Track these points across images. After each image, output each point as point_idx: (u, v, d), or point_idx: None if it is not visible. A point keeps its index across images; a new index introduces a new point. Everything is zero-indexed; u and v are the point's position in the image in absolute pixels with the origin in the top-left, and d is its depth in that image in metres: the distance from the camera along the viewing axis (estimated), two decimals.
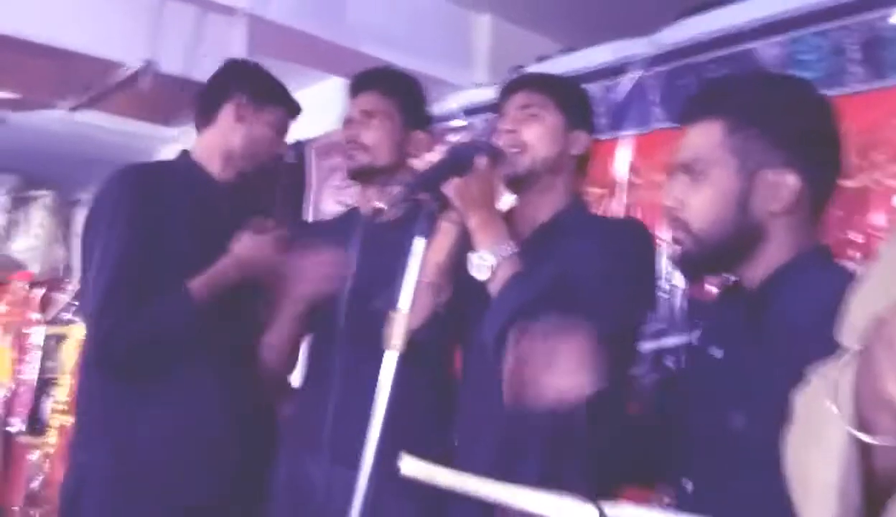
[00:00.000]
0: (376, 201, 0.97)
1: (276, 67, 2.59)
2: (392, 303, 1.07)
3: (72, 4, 1.88)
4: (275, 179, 2.41)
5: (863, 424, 0.51)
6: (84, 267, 1.55)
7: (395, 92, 1.58)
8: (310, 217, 3.15)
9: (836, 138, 1.05)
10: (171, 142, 4.09)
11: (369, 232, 1.21)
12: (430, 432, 1.31)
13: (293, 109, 1.73)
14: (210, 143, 1.65)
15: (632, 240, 1.31)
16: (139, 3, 1.89)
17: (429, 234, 1.00)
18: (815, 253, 1.03)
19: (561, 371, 0.98)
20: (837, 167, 1.06)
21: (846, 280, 1.01)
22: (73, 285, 3.67)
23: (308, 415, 1.49)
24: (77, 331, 3.24)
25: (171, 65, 1.88)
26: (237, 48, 1.98)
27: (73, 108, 2.12)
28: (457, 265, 1.22)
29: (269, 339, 1.54)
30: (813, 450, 0.57)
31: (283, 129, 1.71)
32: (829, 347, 0.70)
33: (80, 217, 4.11)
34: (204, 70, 1.95)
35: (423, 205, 1.00)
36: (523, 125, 1.33)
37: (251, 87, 1.66)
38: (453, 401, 1.34)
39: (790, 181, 0.99)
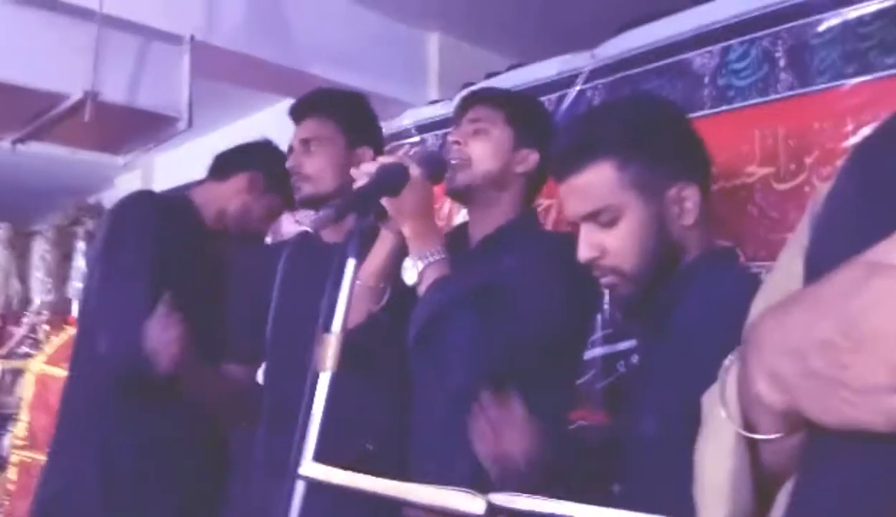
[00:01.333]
0: (305, 225, 0.99)
1: (226, 92, 2.62)
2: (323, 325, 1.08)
3: (9, 37, 1.86)
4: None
5: (747, 423, 0.53)
6: (99, 277, 1.63)
7: (332, 114, 1.59)
8: (269, 239, 3.14)
9: (699, 140, 1.10)
10: (129, 170, 4.07)
11: (301, 255, 1.22)
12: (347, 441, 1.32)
13: (290, 202, 1.82)
14: (213, 196, 1.79)
15: (570, 253, 1.28)
16: (80, 33, 1.88)
17: (359, 255, 1.01)
18: (715, 254, 1.07)
19: (504, 440, 1.04)
20: (709, 167, 1.11)
21: (745, 281, 1.05)
22: (30, 319, 3.60)
23: (250, 440, 1.49)
24: (34, 366, 3.18)
25: (114, 94, 1.88)
26: (182, 75, 1.98)
27: (17, 141, 2.09)
28: (396, 272, 1.24)
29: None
30: (709, 449, 0.60)
31: (276, 215, 1.89)
32: (725, 348, 0.72)
33: (36, 248, 4.05)
34: (147, 98, 1.95)
35: (354, 225, 1.01)
36: (470, 139, 1.35)
37: (272, 169, 1.78)
38: (395, 408, 1.35)
39: (690, 192, 1.03)
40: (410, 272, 1.20)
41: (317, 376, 0.92)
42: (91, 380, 1.66)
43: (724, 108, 1.74)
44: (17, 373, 3.29)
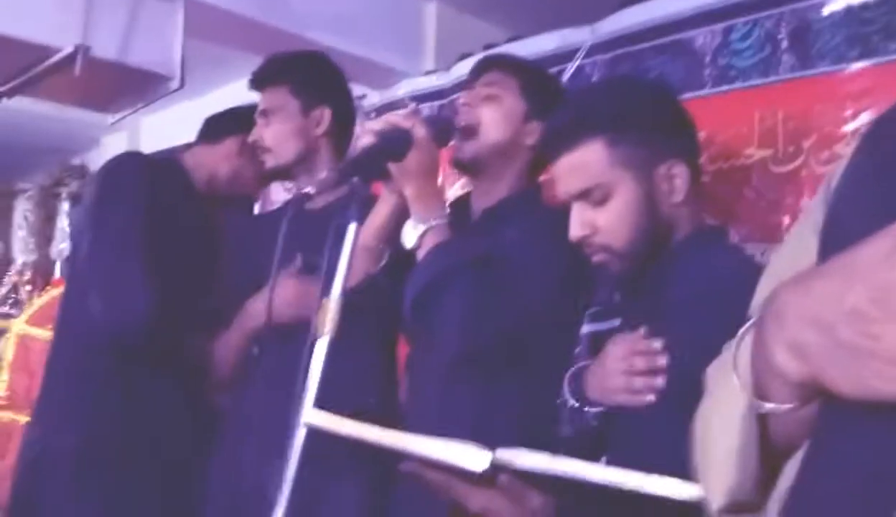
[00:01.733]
0: (307, 187, 0.97)
1: (215, 53, 2.57)
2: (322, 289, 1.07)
3: None
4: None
5: (759, 393, 0.53)
6: (91, 239, 1.61)
7: (285, 80, 1.56)
8: (258, 208, 3.11)
9: (688, 118, 1.11)
10: (115, 131, 4.00)
11: (298, 220, 1.20)
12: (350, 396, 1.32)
13: None
14: (204, 159, 1.77)
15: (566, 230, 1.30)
16: None
17: (361, 219, 1.00)
18: (706, 232, 1.08)
19: None
20: (699, 146, 1.11)
21: (736, 259, 1.07)
22: (12, 278, 3.55)
23: (239, 406, 1.48)
24: (16, 326, 3.14)
25: (105, 50, 1.83)
26: (174, 33, 1.94)
27: (3, 95, 2.04)
28: (397, 234, 1.23)
29: (219, 350, 1.58)
30: (715, 419, 0.60)
31: (267, 180, 1.84)
32: (719, 325, 0.73)
33: (19, 208, 3.98)
34: (139, 55, 1.91)
35: (355, 189, 1.00)
36: (482, 103, 1.33)
37: None
38: (392, 374, 1.34)
39: (680, 170, 1.04)
40: (410, 235, 1.19)
41: (315, 340, 0.92)
42: (80, 343, 1.65)
43: (724, 87, 1.74)
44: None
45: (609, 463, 1.05)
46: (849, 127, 1.52)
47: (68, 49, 1.74)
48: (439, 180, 1.26)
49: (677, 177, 1.04)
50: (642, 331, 1.01)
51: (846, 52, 1.52)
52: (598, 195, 1.03)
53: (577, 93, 1.64)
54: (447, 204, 1.46)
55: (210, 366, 1.67)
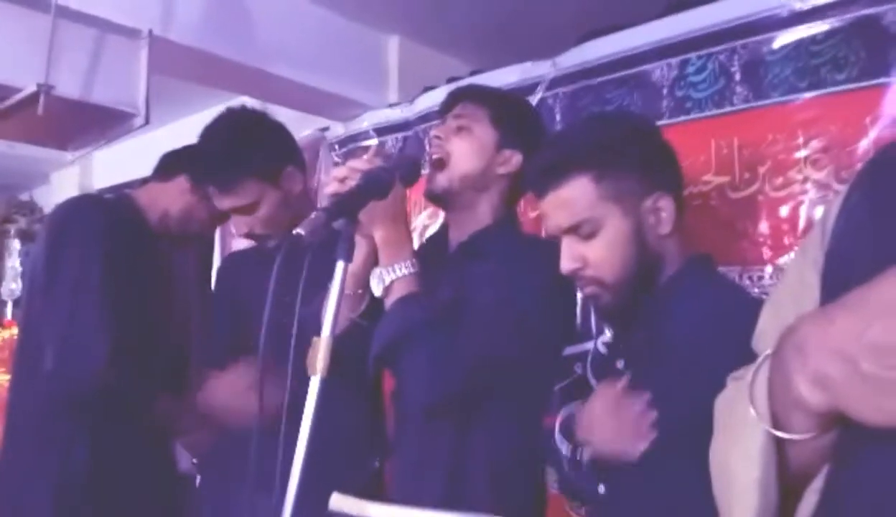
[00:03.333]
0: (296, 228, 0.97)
1: (182, 88, 2.55)
2: (312, 328, 1.06)
3: None
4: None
5: (778, 423, 0.56)
6: (43, 290, 1.58)
7: (243, 169, 1.55)
8: (217, 243, 3.08)
9: (673, 153, 1.14)
10: (66, 165, 3.91)
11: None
12: (357, 451, 1.31)
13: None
14: (156, 197, 1.76)
15: (540, 262, 1.26)
16: (34, 24, 1.81)
17: (348, 257, 1.00)
18: (696, 263, 1.10)
19: None
20: (682, 178, 1.16)
21: (724, 290, 1.10)
22: None
23: (231, 445, 1.46)
24: None
25: (68, 88, 1.81)
26: (139, 70, 1.93)
27: None
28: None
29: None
30: (734, 450, 0.62)
31: (220, 219, 1.83)
32: (721, 355, 0.76)
33: None
34: (103, 92, 1.89)
35: (342, 229, 1.00)
36: (453, 135, 1.33)
37: None
38: (380, 415, 1.33)
39: (665, 202, 1.07)
40: (377, 284, 1.18)
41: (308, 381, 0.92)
42: (38, 396, 1.61)
43: (681, 118, 1.81)
44: None
45: (609, 494, 1.06)
46: (800, 154, 1.61)
47: (31, 88, 1.72)
48: (407, 223, 1.23)
49: (663, 210, 1.07)
50: (623, 382, 1.04)
51: (796, 84, 1.61)
52: (586, 229, 1.06)
53: (563, 130, 1.67)
54: (427, 238, 1.47)
55: (173, 426, 1.69)
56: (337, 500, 0.73)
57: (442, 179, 1.31)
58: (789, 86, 1.63)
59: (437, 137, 1.34)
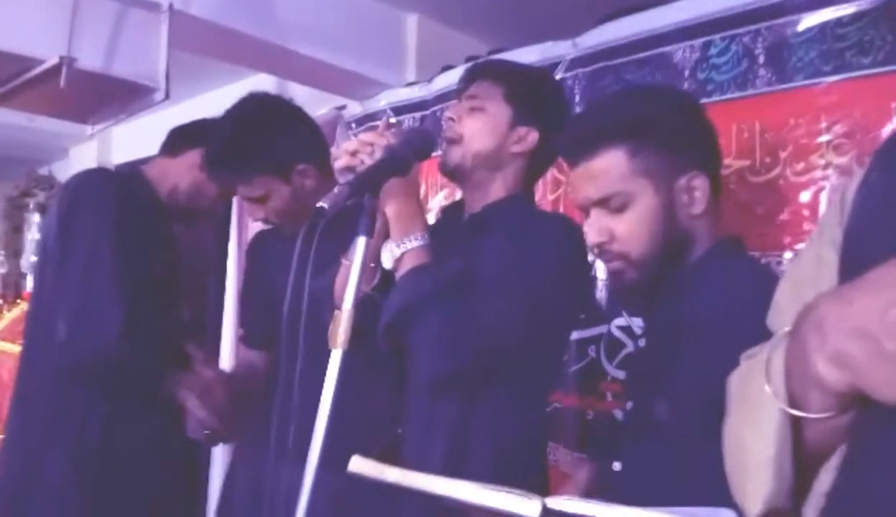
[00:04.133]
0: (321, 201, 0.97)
1: (201, 64, 2.56)
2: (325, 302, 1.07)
3: None
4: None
5: (794, 401, 0.56)
6: (56, 262, 1.60)
7: (254, 164, 1.56)
8: (234, 218, 3.09)
9: (712, 130, 1.12)
10: (85, 140, 3.93)
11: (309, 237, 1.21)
12: (376, 421, 1.32)
13: None
14: (166, 172, 1.78)
15: (552, 238, 1.27)
16: None
17: (370, 232, 1.01)
18: (727, 244, 1.09)
19: None
20: (720, 157, 1.14)
21: (755, 271, 1.09)
22: None
23: (265, 418, 1.47)
24: None
25: (90, 61, 1.82)
26: (159, 44, 1.93)
27: None
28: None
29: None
30: (748, 428, 0.62)
31: (228, 194, 1.84)
32: (743, 336, 0.76)
33: None
34: (124, 66, 1.90)
35: (364, 204, 1.01)
36: (466, 116, 1.31)
37: None
38: (398, 387, 1.34)
39: (700, 182, 1.05)
40: (388, 257, 1.18)
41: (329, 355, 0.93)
42: (51, 365, 1.63)
43: (703, 100, 1.79)
44: None
45: (624, 472, 1.07)
46: (823, 138, 1.59)
47: (53, 60, 1.73)
48: (419, 198, 1.23)
49: (697, 189, 1.05)
50: None
51: (821, 67, 1.59)
52: (616, 203, 1.04)
53: (602, 100, 1.61)
54: (442, 208, 1.47)
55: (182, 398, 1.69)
56: (357, 463, 0.74)
57: (455, 154, 1.31)
58: (813, 69, 1.60)
59: (451, 119, 1.33)
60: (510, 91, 1.31)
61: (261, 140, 1.55)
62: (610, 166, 1.05)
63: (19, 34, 1.76)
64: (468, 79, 1.37)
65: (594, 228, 1.06)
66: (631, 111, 1.09)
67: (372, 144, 1.12)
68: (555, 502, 0.59)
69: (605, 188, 1.05)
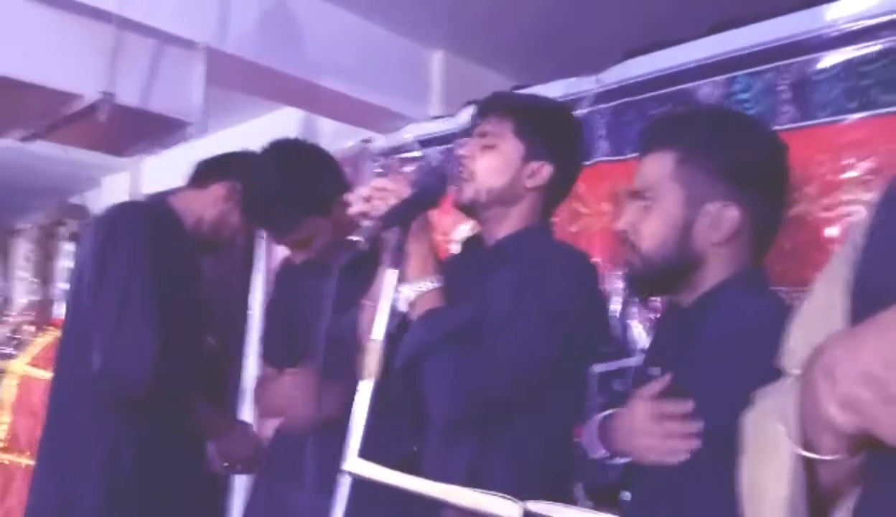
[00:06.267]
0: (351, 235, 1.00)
1: (227, 97, 2.63)
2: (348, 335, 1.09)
3: (25, 36, 1.86)
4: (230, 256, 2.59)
5: (808, 443, 0.57)
6: (91, 292, 1.63)
7: (299, 211, 1.62)
8: (263, 246, 3.15)
9: (781, 173, 1.13)
10: (117, 171, 4.03)
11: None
12: (395, 444, 1.33)
13: None
14: (191, 203, 1.81)
15: (566, 271, 1.26)
16: (96, 34, 1.89)
17: (399, 265, 1.03)
18: (745, 277, 1.09)
19: None
20: (781, 201, 1.14)
21: (774, 305, 1.09)
22: (13, 319, 3.55)
23: (288, 445, 1.49)
24: (17, 366, 3.13)
25: (129, 96, 1.88)
26: (195, 80, 2.00)
27: (24, 139, 2.08)
28: None
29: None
30: (763, 468, 0.62)
31: (251, 227, 1.88)
32: (755, 369, 0.76)
33: (19, 248, 3.99)
34: (161, 101, 1.97)
35: (392, 238, 1.03)
36: (478, 154, 1.31)
37: None
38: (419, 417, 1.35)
39: (731, 214, 1.06)
40: (403, 299, 1.18)
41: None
42: (84, 394, 1.65)
43: None
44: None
45: (634, 501, 1.07)
46: (849, 175, 1.59)
47: (94, 96, 1.79)
48: (432, 238, 1.23)
49: (725, 220, 1.06)
50: (665, 379, 1.03)
51: (845, 104, 1.60)
52: (648, 197, 1.09)
53: (689, 108, 1.66)
54: (463, 240, 1.48)
55: (209, 431, 1.76)
56: (352, 464, 0.76)
57: (469, 190, 1.31)
58: (838, 106, 1.62)
59: (463, 157, 1.34)
60: (521, 126, 1.31)
61: (301, 187, 1.60)
62: (656, 165, 1.10)
63: (59, 70, 1.83)
64: (479, 114, 1.38)
65: (623, 217, 1.12)
66: (699, 126, 1.14)
67: (385, 189, 1.14)
68: (536, 506, 0.61)
69: (642, 182, 1.11)
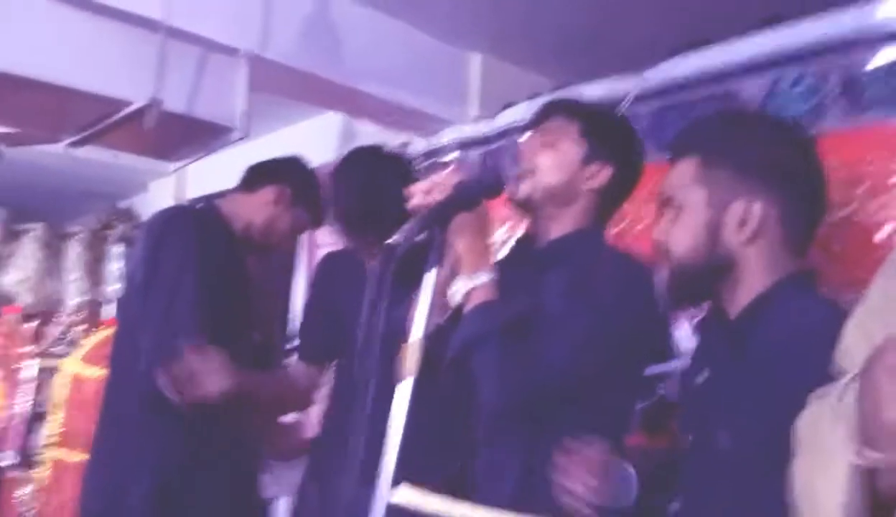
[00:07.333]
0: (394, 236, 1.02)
1: (270, 102, 2.67)
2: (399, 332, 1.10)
3: (74, 44, 1.92)
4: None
5: (866, 446, 0.55)
6: (141, 293, 1.67)
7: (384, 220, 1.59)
8: (305, 247, 3.19)
9: (811, 169, 1.11)
10: (163, 175, 4.13)
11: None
12: (449, 449, 1.33)
13: (317, 220, 1.93)
14: (241, 207, 1.84)
15: (617, 276, 1.26)
16: (143, 42, 1.94)
17: (440, 264, 1.04)
18: (794, 280, 1.07)
19: (575, 481, 1.06)
20: (815, 196, 1.11)
21: (825, 308, 1.07)
22: (65, 318, 3.66)
23: (338, 437, 1.51)
24: (69, 365, 3.23)
25: (175, 103, 1.93)
26: (239, 87, 2.03)
27: (72, 144, 2.15)
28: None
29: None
30: (819, 472, 0.61)
31: (300, 230, 1.94)
32: (811, 372, 0.74)
33: (70, 250, 4.11)
34: (205, 107, 2.01)
35: (433, 237, 1.04)
36: (538, 151, 1.33)
37: (300, 185, 1.86)
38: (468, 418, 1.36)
39: (756, 210, 1.05)
40: (457, 292, 1.20)
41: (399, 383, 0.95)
42: (136, 392, 1.69)
43: None
44: (52, 371, 3.34)
45: (683, 509, 1.05)
46: None
47: (141, 102, 1.84)
48: (488, 235, 1.25)
49: (752, 217, 1.05)
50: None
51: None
52: (675, 204, 1.10)
53: (714, 114, 1.64)
54: (517, 239, 1.48)
55: (256, 437, 1.79)
56: (402, 495, 0.76)
57: (525, 187, 1.32)
58: (888, 105, 1.57)
59: (523, 151, 1.35)
60: (585, 128, 1.33)
61: (398, 193, 1.62)
62: (682, 171, 1.10)
63: (107, 76, 1.88)
64: (543, 114, 1.39)
65: (660, 226, 1.12)
66: (720, 129, 1.15)
67: (442, 184, 1.16)
68: None
69: (671, 189, 1.11)
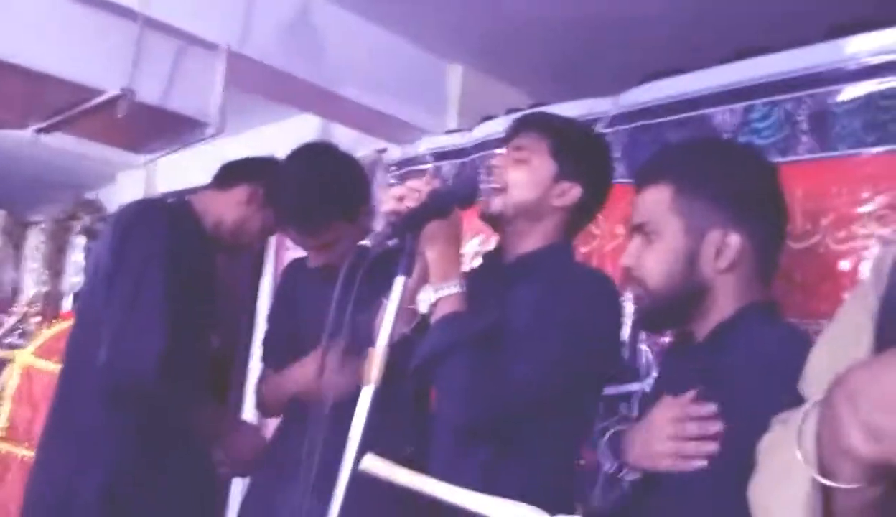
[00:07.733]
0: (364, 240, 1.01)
1: (246, 100, 2.64)
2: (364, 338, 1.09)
3: (48, 28, 1.88)
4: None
5: (825, 470, 0.55)
6: (105, 287, 1.64)
7: (329, 214, 1.63)
8: (271, 257, 3.16)
9: (778, 199, 1.14)
10: (133, 168, 4.06)
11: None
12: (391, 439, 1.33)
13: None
14: (212, 205, 1.83)
15: (586, 291, 1.27)
16: (119, 31, 1.91)
17: (409, 272, 1.03)
18: (758, 308, 1.10)
19: None
20: (781, 227, 1.14)
21: (792, 335, 1.09)
22: (21, 309, 3.56)
23: (286, 445, 1.49)
24: (21, 357, 3.13)
25: (149, 94, 1.90)
26: (215, 82, 2.01)
27: (41, 131, 2.10)
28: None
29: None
30: (777, 493, 0.61)
31: (269, 231, 1.91)
32: (774, 397, 0.75)
33: (31, 239, 4.01)
34: (180, 101, 1.98)
35: (405, 243, 1.04)
36: (510, 166, 1.34)
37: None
38: (422, 412, 1.35)
39: (733, 240, 1.07)
40: (424, 302, 1.20)
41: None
42: (91, 388, 1.65)
43: None
44: (4, 362, 3.24)
45: None
46: (866, 208, 1.58)
47: (114, 92, 1.80)
48: (459, 245, 1.25)
49: (729, 247, 1.07)
50: (691, 394, 1.03)
51: (864, 137, 1.59)
52: (647, 231, 1.10)
53: (682, 142, 1.67)
54: (485, 253, 1.49)
55: (212, 431, 1.75)
56: (369, 462, 0.75)
57: (497, 202, 1.32)
58: (856, 139, 1.61)
59: (496, 166, 1.36)
60: (556, 146, 1.33)
61: (333, 189, 1.61)
62: (655, 198, 1.11)
63: (82, 64, 1.84)
64: (516, 129, 1.40)
65: (628, 252, 1.13)
66: (693, 157, 1.16)
67: (418, 191, 1.16)
68: None
69: (643, 215, 1.12)
